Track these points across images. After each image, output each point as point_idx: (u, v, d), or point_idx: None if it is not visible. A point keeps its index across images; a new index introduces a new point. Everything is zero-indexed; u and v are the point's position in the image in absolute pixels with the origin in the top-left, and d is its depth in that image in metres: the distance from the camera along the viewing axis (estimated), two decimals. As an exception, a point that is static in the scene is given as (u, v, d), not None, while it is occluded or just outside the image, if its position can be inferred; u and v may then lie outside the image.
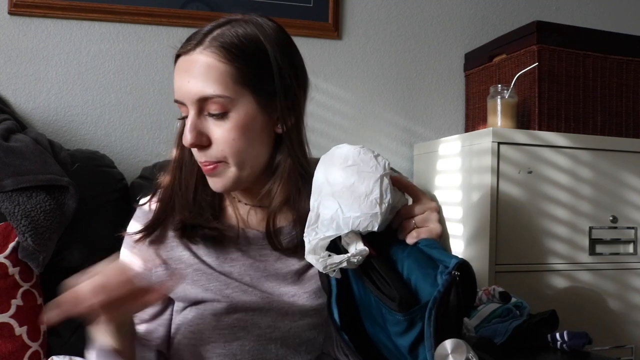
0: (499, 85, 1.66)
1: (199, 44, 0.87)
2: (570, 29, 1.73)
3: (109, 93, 1.72)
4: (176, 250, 0.95)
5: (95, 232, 1.40)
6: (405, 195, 0.87)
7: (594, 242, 1.60)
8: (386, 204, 0.78)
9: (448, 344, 0.69)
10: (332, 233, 0.79)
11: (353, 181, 0.79)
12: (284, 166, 0.92)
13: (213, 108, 0.85)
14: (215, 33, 0.87)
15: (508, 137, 1.53)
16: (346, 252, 0.79)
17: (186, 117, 0.88)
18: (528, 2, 2.10)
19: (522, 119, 1.68)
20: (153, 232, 0.95)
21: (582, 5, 2.16)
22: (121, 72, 1.73)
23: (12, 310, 1.22)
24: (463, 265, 0.74)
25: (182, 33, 1.74)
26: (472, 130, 1.86)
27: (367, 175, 0.79)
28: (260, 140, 0.90)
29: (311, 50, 1.87)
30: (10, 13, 1.64)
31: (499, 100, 1.64)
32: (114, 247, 1.41)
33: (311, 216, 0.82)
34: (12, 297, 1.23)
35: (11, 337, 1.21)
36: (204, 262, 0.94)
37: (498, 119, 1.64)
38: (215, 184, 0.90)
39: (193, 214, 0.93)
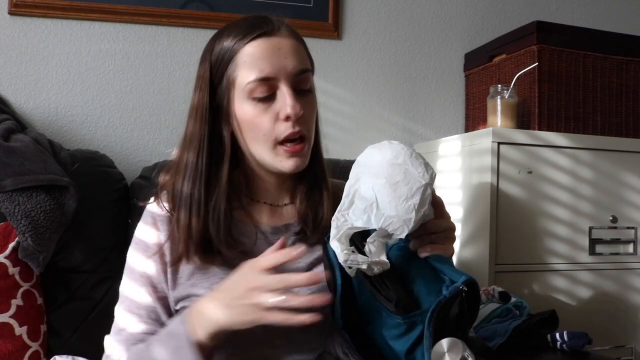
0: (499, 85, 1.66)
1: (278, 27, 0.93)
2: (570, 29, 1.73)
3: (109, 93, 1.72)
4: None
5: (95, 232, 1.40)
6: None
7: (594, 242, 1.60)
8: (421, 214, 0.77)
9: (445, 342, 0.70)
10: (361, 224, 0.77)
11: (398, 180, 0.78)
12: (315, 155, 0.97)
13: (303, 84, 0.93)
14: (280, 19, 0.95)
15: (508, 137, 1.54)
16: (363, 254, 0.77)
17: (265, 96, 0.90)
18: (528, 2, 2.11)
19: (522, 119, 1.68)
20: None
21: (582, 5, 2.16)
22: (121, 72, 1.73)
23: (12, 310, 1.22)
24: (471, 283, 0.75)
25: (182, 33, 1.77)
26: (472, 130, 1.86)
27: (413, 179, 0.78)
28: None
29: (311, 50, 1.86)
30: (10, 13, 1.64)
31: (499, 100, 1.64)
32: (114, 246, 1.42)
33: (344, 201, 0.80)
34: (12, 297, 1.23)
35: (11, 337, 1.21)
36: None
37: (498, 119, 1.64)
38: (299, 162, 0.92)
39: (217, 228, 0.92)
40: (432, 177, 0.80)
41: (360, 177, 0.81)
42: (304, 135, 0.92)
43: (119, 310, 0.98)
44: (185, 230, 0.91)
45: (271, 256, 0.80)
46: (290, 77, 0.90)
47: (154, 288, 0.95)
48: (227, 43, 0.92)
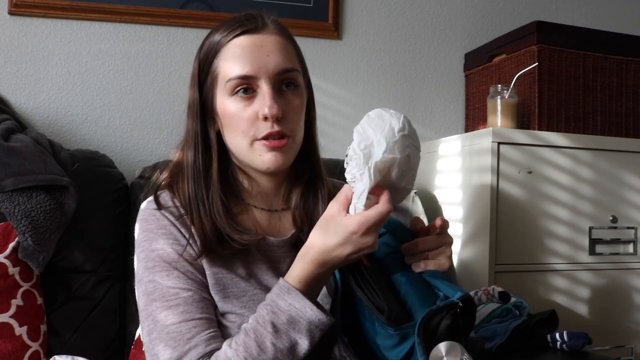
0: (499, 85, 1.66)
1: (264, 24, 0.92)
2: (570, 29, 1.73)
3: (109, 93, 1.72)
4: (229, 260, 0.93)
5: (95, 232, 1.40)
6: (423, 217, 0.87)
7: (594, 242, 1.60)
8: (398, 137, 0.75)
9: (442, 346, 0.70)
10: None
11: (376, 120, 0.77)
12: (310, 156, 0.97)
13: (288, 82, 0.91)
14: (266, 18, 0.93)
15: (508, 137, 1.53)
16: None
17: (245, 93, 0.89)
18: (528, 2, 2.11)
19: (522, 119, 1.68)
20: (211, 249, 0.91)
21: (582, 5, 2.16)
22: (121, 72, 1.73)
23: (12, 310, 1.22)
24: (467, 299, 0.75)
25: (182, 33, 1.77)
26: (472, 130, 1.86)
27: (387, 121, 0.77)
28: (303, 123, 0.95)
29: (311, 50, 1.87)
30: (10, 13, 1.64)
31: (499, 100, 1.64)
32: (114, 246, 1.42)
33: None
34: (12, 297, 1.23)
35: (11, 337, 1.21)
36: (236, 273, 0.92)
37: (498, 119, 1.64)
38: (279, 158, 0.90)
39: (227, 228, 0.90)
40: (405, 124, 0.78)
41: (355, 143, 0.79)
42: (286, 134, 0.90)
43: (165, 313, 0.85)
44: (200, 228, 0.90)
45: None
46: (272, 75, 0.89)
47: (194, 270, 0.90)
48: (213, 40, 0.93)
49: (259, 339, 0.78)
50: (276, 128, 0.88)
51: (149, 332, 0.86)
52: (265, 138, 0.89)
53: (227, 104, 0.90)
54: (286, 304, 0.78)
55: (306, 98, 0.96)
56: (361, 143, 0.76)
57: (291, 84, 0.91)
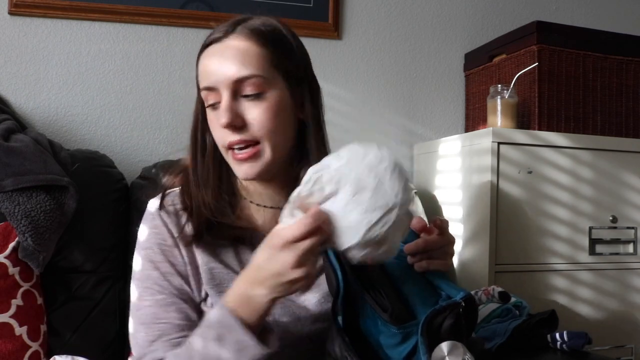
0: (499, 85, 1.66)
1: (229, 31, 0.90)
2: (570, 29, 1.73)
3: (109, 93, 1.72)
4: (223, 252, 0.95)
5: (95, 232, 1.40)
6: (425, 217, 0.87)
7: (594, 242, 1.60)
8: (374, 235, 0.69)
9: (445, 345, 0.70)
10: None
11: (366, 186, 0.69)
12: (311, 154, 0.95)
13: (249, 89, 0.88)
14: (243, 23, 0.91)
15: (508, 137, 1.54)
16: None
17: (213, 104, 0.90)
18: (528, 2, 2.11)
19: (522, 119, 1.68)
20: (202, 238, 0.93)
21: (582, 5, 2.16)
22: (121, 72, 1.73)
23: (12, 310, 1.22)
24: (469, 299, 0.76)
25: (182, 33, 1.77)
26: (472, 130, 1.86)
27: (383, 192, 0.69)
28: (290, 124, 0.93)
29: (311, 50, 1.85)
30: (10, 13, 1.64)
31: (499, 100, 1.64)
32: (114, 246, 1.42)
33: (304, 187, 0.72)
34: (12, 297, 1.23)
35: (11, 337, 1.21)
36: (232, 269, 0.94)
37: (498, 119, 1.64)
38: (249, 170, 0.90)
39: (218, 214, 0.92)
40: (406, 200, 0.70)
41: (330, 164, 0.72)
42: (251, 143, 0.88)
43: (140, 313, 0.91)
44: (197, 220, 0.92)
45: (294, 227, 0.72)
46: (230, 84, 0.87)
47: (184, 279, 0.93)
48: (201, 47, 0.94)
49: (190, 351, 0.79)
50: (236, 137, 0.88)
51: (133, 328, 0.93)
52: (231, 148, 0.90)
53: (207, 114, 0.93)
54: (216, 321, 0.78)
55: (284, 102, 0.92)
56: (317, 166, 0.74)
57: (252, 91, 0.88)
